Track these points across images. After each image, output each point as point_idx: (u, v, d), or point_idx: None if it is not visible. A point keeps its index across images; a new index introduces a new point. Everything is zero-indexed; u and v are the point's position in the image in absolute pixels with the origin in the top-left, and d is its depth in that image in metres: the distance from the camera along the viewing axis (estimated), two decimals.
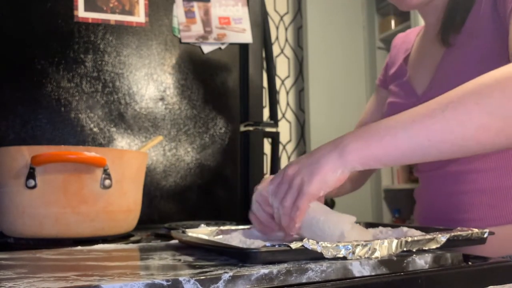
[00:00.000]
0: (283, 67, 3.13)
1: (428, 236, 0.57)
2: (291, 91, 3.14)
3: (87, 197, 0.85)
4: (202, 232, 0.78)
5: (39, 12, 1.26)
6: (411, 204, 1.00)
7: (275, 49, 3.07)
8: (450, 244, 0.58)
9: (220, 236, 0.77)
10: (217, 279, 0.45)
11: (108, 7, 1.32)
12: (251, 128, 1.46)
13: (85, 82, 1.29)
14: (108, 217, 0.88)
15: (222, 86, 1.44)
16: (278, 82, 3.09)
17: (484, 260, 0.60)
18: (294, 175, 0.63)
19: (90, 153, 0.83)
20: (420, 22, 1.03)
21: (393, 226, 0.72)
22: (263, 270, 0.47)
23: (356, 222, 0.66)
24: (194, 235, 0.74)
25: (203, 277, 0.45)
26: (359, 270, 0.52)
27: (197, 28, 1.40)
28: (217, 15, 1.42)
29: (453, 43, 0.83)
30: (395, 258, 0.54)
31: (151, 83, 1.35)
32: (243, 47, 1.45)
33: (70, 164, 0.84)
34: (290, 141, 3.12)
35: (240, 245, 0.58)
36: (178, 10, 1.40)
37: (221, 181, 1.41)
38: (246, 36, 1.44)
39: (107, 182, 0.86)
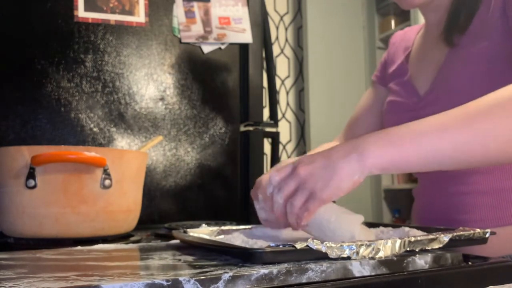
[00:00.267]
0: (283, 67, 3.13)
1: (430, 236, 0.57)
2: (291, 91, 3.14)
3: (87, 197, 0.85)
4: (203, 232, 0.78)
5: (39, 12, 1.26)
6: (411, 204, 1.00)
7: (275, 49, 3.07)
8: (452, 244, 0.58)
9: (222, 236, 0.77)
10: (217, 279, 0.45)
11: (108, 7, 1.32)
12: (251, 128, 1.46)
13: (85, 82, 1.29)
14: (108, 217, 0.88)
15: (222, 86, 1.44)
16: (278, 82, 3.09)
17: (484, 260, 0.60)
18: (306, 177, 0.61)
19: (90, 153, 0.83)
20: (420, 22, 1.03)
21: (394, 226, 0.72)
22: (263, 270, 0.47)
23: None
24: (196, 235, 0.74)
25: (203, 277, 0.45)
26: (359, 270, 0.52)
27: (197, 28, 1.40)
28: (217, 15, 1.42)
29: (458, 44, 0.82)
30: (395, 258, 0.54)
31: (151, 83, 1.35)
32: (243, 47, 1.45)
33: (70, 164, 0.84)
34: (290, 141, 3.12)
35: (243, 245, 0.58)
36: (178, 10, 1.40)
37: (221, 181, 1.41)
38: (246, 36, 1.44)
39: (107, 182, 0.86)
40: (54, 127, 1.25)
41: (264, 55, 1.52)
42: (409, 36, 1.02)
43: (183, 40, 1.38)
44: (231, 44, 1.43)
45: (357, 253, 0.53)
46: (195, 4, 1.41)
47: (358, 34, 3.17)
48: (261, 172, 1.44)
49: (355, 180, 0.59)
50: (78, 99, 1.27)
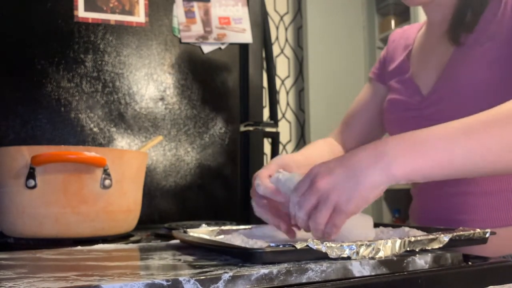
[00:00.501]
0: (283, 67, 3.13)
1: (430, 236, 0.57)
2: (291, 91, 3.14)
3: (87, 197, 0.85)
4: (203, 232, 0.78)
5: (39, 12, 1.26)
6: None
7: (275, 49, 3.07)
8: (452, 244, 0.58)
9: (222, 236, 0.77)
10: (217, 279, 0.45)
11: (108, 7, 1.32)
12: (251, 128, 1.46)
13: (85, 82, 1.29)
14: (108, 217, 0.88)
15: (222, 86, 1.43)
16: (278, 82, 3.09)
17: (484, 260, 0.60)
18: (329, 191, 0.57)
19: (90, 153, 0.83)
20: (420, 22, 1.02)
21: (394, 226, 0.72)
22: (263, 270, 0.47)
23: None
24: (196, 235, 0.74)
25: (203, 277, 0.45)
26: (359, 270, 0.52)
27: (197, 28, 1.40)
28: (217, 15, 1.42)
29: (463, 42, 0.81)
30: (395, 258, 0.54)
31: (151, 83, 1.35)
32: (243, 47, 1.45)
33: (70, 164, 0.84)
34: (290, 141, 3.12)
35: (243, 245, 0.58)
36: (178, 10, 1.40)
37: (221, 181, 1.41)
38: (246, 36, 1.44)
39: (107, 182, 0.86)
40: (54, 127, 1.25)
41: (264, 55, 1.52)
42: (408, 34, 1.01)
43: (183, 40, 1.38)
44: (231, 44, 1.43)
45: (357, 253, 0.53)
46: (195, 4, 1.41)
47: (358, 34, 3.17)
48: None
49: (380, 190, 0.57)
50: (78, 99, 1.27)
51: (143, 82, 1.34)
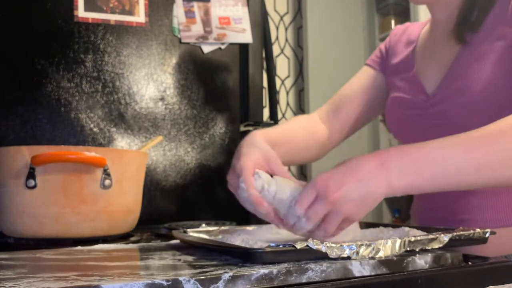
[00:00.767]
0: (283, 67, 3.13)
1: (430, 236, 0.57)
2: (291, 91, 3.14)
3: (87, 197, 0.85)
4: (203, 232, 0.78)
5: (39, 12, 1.26)
6: (411, 205, 0.99)
7: (275, 49, 3.07)
8: (452, 244, 0.58)
9: (221, 236, 0.77)
10: (217, 279, 0.45)
11: (108, 7, 1.32)
12: (251, 128, 1.45)
13: (85, 82, 1.29)
14: (108, 217, 0.88)
15: (222, 86, 1.43)
16: (278, 82, 3.09)
17: (484, 260, 0.60)
18: (340, 202, 0.59)
19: (90, 153, 0.83)
20: (421, 21, 1.02)
21: (393, 226, 0.72)
22: (263, 270, 0.47)
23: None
24: (196, 235, 0.74)
25: (203, 277, 0.45)
26: (359, 270, 0.52)
27: (197, 28, 1.40)
28: (217, 15, 1.42)
29: (469, 41, 0.81)
30: (395, 258, 0.54)
31: (151, 83, 1.35)
32: (243, 47, 1.45)
33: (70, 164, 0.83)
34: None
35: (243, 245, 0.58)
36: (178, 10, 1.40)
37: (221, 181, 1.40)
38: (246, 36, 1.44)
39: (107, 182, 0.86)
40: (54, 127, 1.25)
41: (264, 55, 1.52)
42: (411, 30, 1.00)
43: (183, 40, 1.38)
44: (231, 44, 1.43)
45: (357, 253, 0.53)
46: (195, 4, 1.41)
47: (358, 34, 3.17)
48: None
49: (380, 200, 0.62)
50: (78, 99, 1.27)
51: (143, 82, 1.34)
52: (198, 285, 0.44)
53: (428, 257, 0.56)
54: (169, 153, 1.35)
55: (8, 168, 0.84)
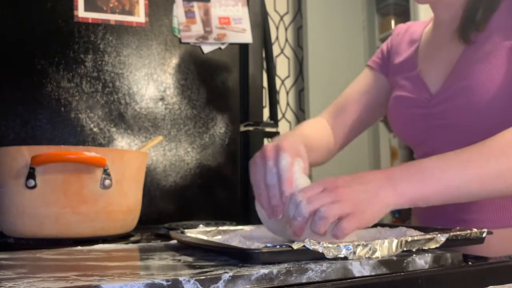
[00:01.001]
0: (283, 67, 3.13)
1: (427, 236, 0.57)
2: (291, 91, 3.14)
3: (87, 197, 0.85)
4: (201, 232, 0.77)
5: (39, 12, 1.26)
6: None
7: (275, 49, 3.07)
8: (449, 244, 0.58)
9: (219, 237, 0.77)
10: (217, 279, 0.45)
11: (108, 7, 1.32)
12: (251, 128, 1.46)
13: (85, 82, 1.29)
14: (108, 217, 0.88)
15: (222, 86, 1.43)
16: (278, 82, 3.09)
17: (484, 260, 0.60)
18: (349, 196, 0.59)
19: (90, 153, 0.83)
20: (421, 21, 1.02)
21: (391, 226, 0.72)
22: (263, 270, 0.47)
23: None
24: (193, 235, 0.74)
25: (203, 277, 0.45)
26: (359, 270, 0.52)
27: (197, 28, 1.40)
28: (217, 15, 1.42)
29: (474, 41, 0.81)
30: (395, 258, 0.54)
31: (151, 83, 1.35)
32: (243, 47, 1.45)
33: (70, 164, 0.84)
34: None
35: (240, 246, 0.58)
36: (178, 10, 1.40)
37: (221, 181, 1.41)
38: (246, 36, 1.44)
39: (107, 182, 0.86)
40: (54, 127, 1.25)
41: (264, 55, 1.52)
42: (414, 29, 0.99)
43: (183, 40, 1.38)
44: (231, 44, 1.43)
45: (354, 253, 0.53)
46: (195, 4, 1.41)
47: (358, 34, 3.17)
48: None
49: (387, 212, 0.61)
50: (78, 99, 1.27)
51: (143, 82, 1.34)
52: (198, 285, 0.44)
53: (428, 257, 0.56)
54: (169, 153, 1.35)
55: (8, 168, 0.84)
